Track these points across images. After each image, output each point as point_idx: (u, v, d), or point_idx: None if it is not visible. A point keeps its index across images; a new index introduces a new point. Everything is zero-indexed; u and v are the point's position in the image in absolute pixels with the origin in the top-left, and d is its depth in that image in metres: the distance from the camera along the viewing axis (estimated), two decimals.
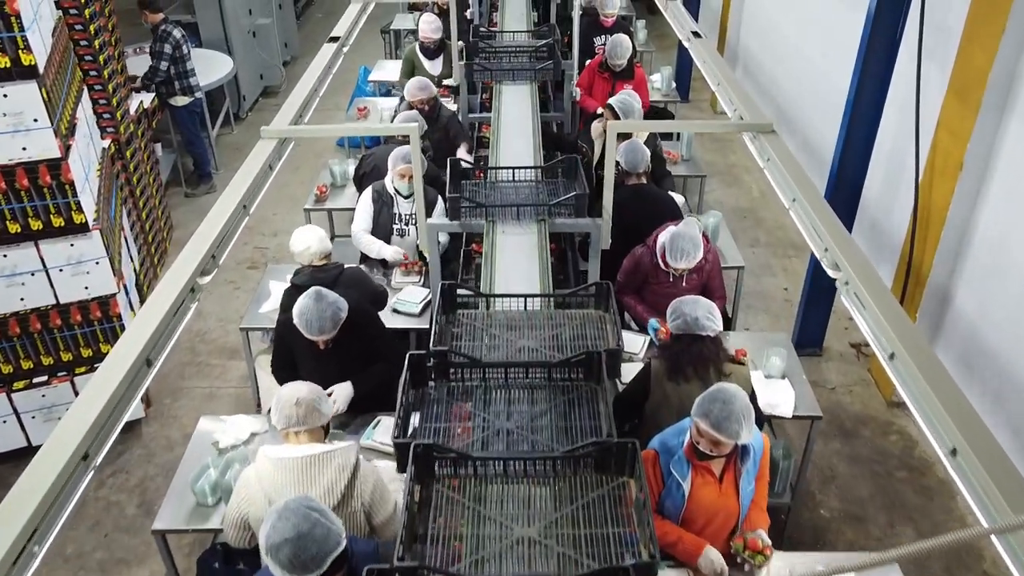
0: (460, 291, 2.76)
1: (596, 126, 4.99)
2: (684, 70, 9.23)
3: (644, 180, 4.43)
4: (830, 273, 2.67)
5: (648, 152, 4.40)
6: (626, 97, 4.81)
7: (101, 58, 5.44)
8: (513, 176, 3.48)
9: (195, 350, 5.65)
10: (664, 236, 3.79)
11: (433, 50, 6.75)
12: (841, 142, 4.79)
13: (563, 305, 2.78)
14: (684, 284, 3.90)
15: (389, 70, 7.87)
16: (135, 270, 5.39)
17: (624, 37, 5.98)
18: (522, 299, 2.70)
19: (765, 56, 8.27)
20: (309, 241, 3.92)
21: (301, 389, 2.76)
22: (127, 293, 4.79)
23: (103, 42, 5.51)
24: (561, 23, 7.81)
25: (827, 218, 2.84)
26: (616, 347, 2.45)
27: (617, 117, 4.76)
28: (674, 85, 7.26)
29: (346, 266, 4.03)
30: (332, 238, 5.81)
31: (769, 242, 6.92)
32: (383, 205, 4.61)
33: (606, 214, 3.58)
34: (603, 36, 7.24)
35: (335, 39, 4.88)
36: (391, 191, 4.59)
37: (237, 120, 9.13)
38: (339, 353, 3.47)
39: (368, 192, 4.66)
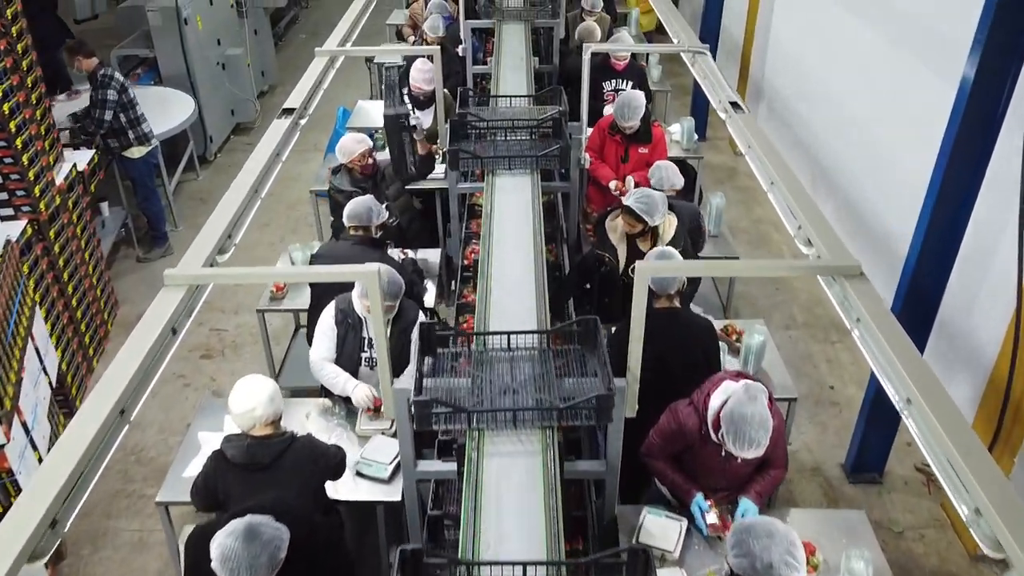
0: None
1: (613, 226, 4.04)
2: (700, 105, 8.30)
3: (677, 302, 3.49)
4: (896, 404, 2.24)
5: (683, 276, 3.45)
6: (645, 196, 3.85)
7: (12, 124, 4.50)
8: (509, 344, 2.53)
9: (127, 474, 4.71)
10: (724, 413, 2.82)
11: (424, 101, 5.81)
12: (920, 236, 3.84)
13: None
14: (739, 460, 2.95)
15: (371, 116, 6.92)
16: (51, 384, 4.44)
17: (635, 97, 5.02)
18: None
19: (794, 97, 7.33)
20: (253, 401, 2.94)
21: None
22: (28, 431, 3.84)
23: (16, 104, 4.57)
24: (564, 62, 6.90)
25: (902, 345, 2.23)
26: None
27: (637, 218, 3.83)
28: (696, 138, 6.31)
29: (299, 435, 3.06)
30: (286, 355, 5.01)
31: (807, 322, 5.98)
32: (349, 328, 3.66)
33: (632, 376, 2.65)
34: (614, 81, 6.32)
35: (289, 111, 3.94)
36: (360, 311, 3.64)
37: (203, 164, 8.18)
38: None
39: (330, 310, 3.71)
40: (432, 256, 4.92)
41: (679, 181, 4.59)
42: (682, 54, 4.67)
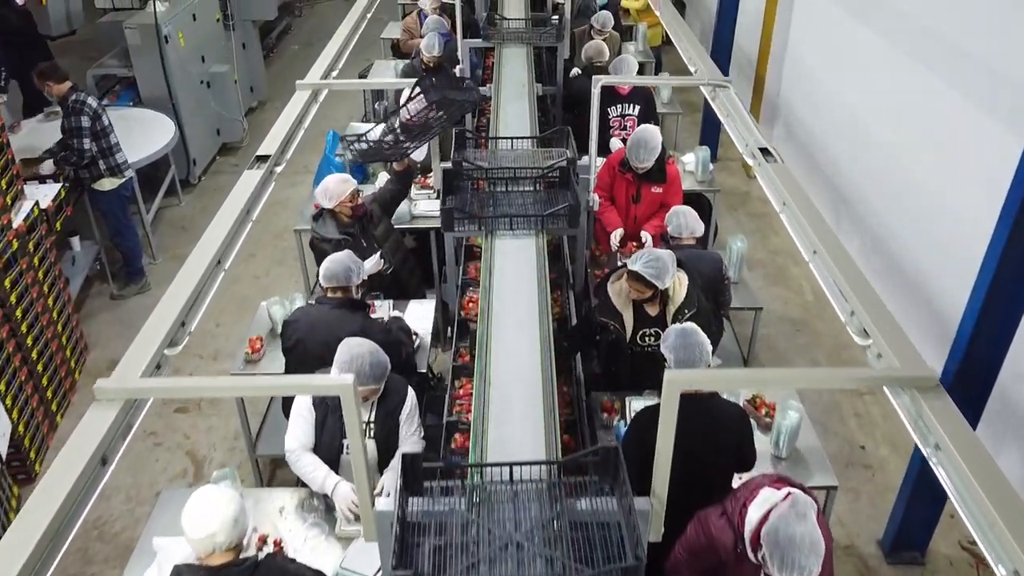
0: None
1: (617, 289, 3.57)
2: (710, 122, 7.84)
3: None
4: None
5: (708, 348, 2.99)
6: (654, 259, 3.38)
7: None
8: (511, 478, 2.08)
9: (87, 554, 4.25)
10: (767, 532, 2.37)
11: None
12: (977, 305, 3.39)
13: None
14: None
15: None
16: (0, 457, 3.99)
17: (651, 136, 4.57)
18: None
19: (813, 118, 6.87)
20: (214, 525, 2.45)
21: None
22: None
23: None
24: (569, 84, 6.46)
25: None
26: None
27: (647, 284, 3.38)
28: (711, 167, 5.85)
29: (261, 557, 2.59)
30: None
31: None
32: (328, 411, 3.21)
33: (657, 501, 2.21)
34: (619, 106, 5.87)
35: (263, 158, 3.48)
36: None
37: (187, 188, 7.73)
38: None
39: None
40: (427, 309, 4.46)
41: (699, 228, 4.15)
42: (702, 88, 4.22)
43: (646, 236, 4.77)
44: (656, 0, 5.81)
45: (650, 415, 3.05)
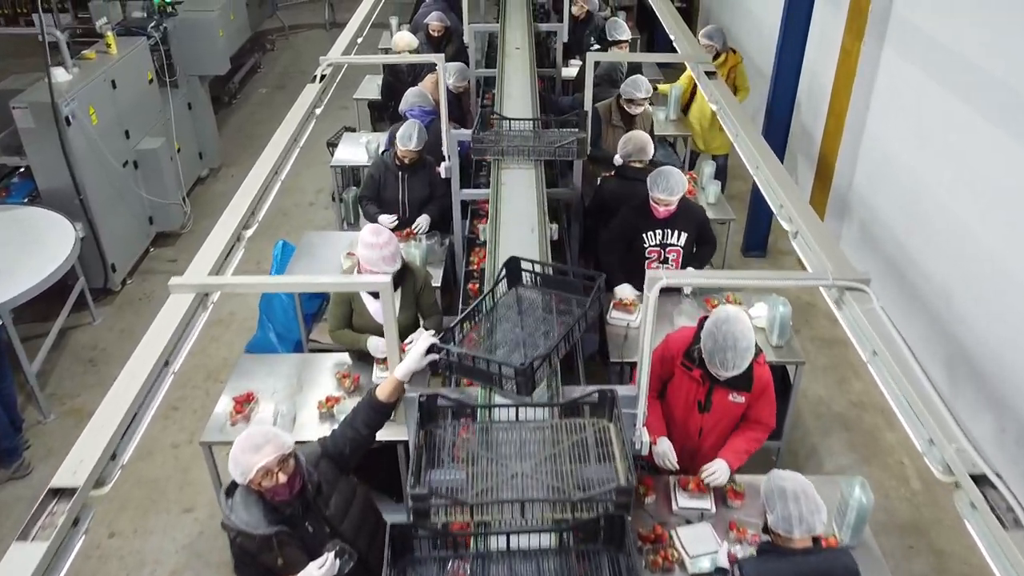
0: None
1: None
2: (761, 211, 6.30)
3: None
4: None
5: None
6: None
7: None
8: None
9: None
10: None
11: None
12: None
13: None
14: None
15: (320, 266, 4.91)
16: None
17: (739, 330, 3.01)
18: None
19: (900, 220, 5.31)
20: None
21: None
22: None
23: None
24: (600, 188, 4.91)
25: None
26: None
27: None
28: (790, 324, 4.26)
29: None
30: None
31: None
32: None
33: None
34: (659, 232, 4.32)
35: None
36: None
37: (104, 299, 6.14)
38: None
39: None
40: None
41: (819, 524, 2.55)
42: (822, 289, 2.67)
43: (720, 470, 3.22)
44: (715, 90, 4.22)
45: None
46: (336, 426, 2.81)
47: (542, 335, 2.55)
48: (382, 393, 2.64)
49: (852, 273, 2.59)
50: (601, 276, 2.59)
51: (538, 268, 2.75)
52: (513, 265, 2.79)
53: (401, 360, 2.59)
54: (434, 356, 2.50)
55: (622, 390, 2.74)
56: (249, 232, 3.09)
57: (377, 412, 2.68)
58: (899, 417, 2.26)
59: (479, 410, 2.36)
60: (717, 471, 3.21)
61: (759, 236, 6.60)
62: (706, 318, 3.17)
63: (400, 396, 2.63)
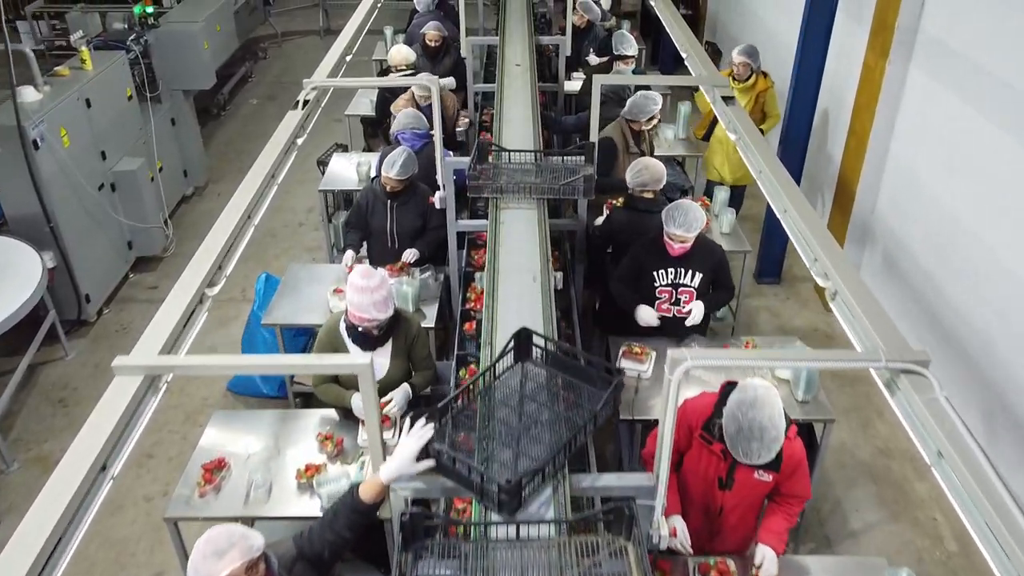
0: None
1: None
2: (775, 237, 5.94)
3: None
4: None
5: None
6: None
7: None
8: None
9: None
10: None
11: (374, 339, 3.42)
12: None
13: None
14: None
15: (305, 303, 4.54)
16: None
17: (765, 415, 2.59)
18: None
19: (925, 250, 4.94)
20: None
21: None
22: None
23: None
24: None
25: None
26: None
27: None
28: (817, 385, 3.88)
29: None
30: None
31: None
32: None
33: None
34: (671, 270, 3.95)
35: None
36: None
37: (78, 331, 5.77)
38: None
39: None
40: None
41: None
42: (875, 370, 2.30)
43: (768, 560, 2.85)
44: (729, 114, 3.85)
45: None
46: (313, 523, 2.44)
47: (546, 426, 2.18)
48: (366, 494, 2.27)
49: (909, 353, 2.21)
50: (620, 375, 2.21)
51: (551, 346, 2.37)
52: (523, 338, 2.42)
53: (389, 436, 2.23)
54: (429, 464, 2.12)
55: (637, 479, 2.40)
56: (215, 290, 2.73)
57: (360, 515, 2.31)
58: (975, 540, 1.91)
59: (473, 527, 1.99)
60: (767, 565, 2.85)
61: (773, 262, 6.24)
62: (729, 386, 2.80)
63: (385, 497, 2.27)
